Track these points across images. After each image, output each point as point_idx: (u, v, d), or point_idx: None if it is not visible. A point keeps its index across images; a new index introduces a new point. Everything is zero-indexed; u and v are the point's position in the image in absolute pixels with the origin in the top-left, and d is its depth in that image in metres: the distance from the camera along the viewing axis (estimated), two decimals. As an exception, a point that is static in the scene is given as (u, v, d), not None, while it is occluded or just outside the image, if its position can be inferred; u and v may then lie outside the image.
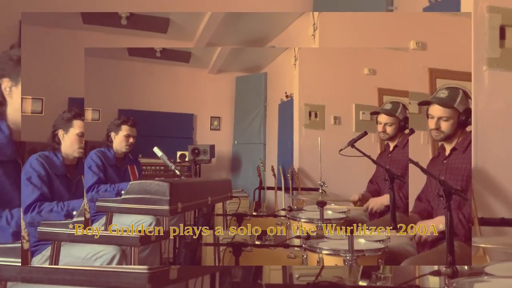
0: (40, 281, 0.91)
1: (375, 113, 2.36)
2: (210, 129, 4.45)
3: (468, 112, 1.73)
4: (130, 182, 1.95)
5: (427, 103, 1.78)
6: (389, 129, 2.28)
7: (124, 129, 2.57)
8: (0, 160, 1.36)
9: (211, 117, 4.41)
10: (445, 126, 1.74)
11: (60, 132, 2.01)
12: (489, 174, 2.06)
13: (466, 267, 1.17)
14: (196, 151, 3.58)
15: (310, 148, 3.09)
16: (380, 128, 2.31)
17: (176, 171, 2.14)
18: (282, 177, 3.31)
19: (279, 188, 3.24)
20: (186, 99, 4.30)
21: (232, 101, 4.74)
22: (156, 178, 1.58)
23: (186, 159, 3.59)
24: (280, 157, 3.71)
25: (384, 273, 1.89)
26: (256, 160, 3.85)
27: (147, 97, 4.79)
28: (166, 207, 1.54)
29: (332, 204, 2.39)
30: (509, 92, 2.07)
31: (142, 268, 0.84)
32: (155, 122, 4.16)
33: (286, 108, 3.59)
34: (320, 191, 1.95)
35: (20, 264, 0.93)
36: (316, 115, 3.19)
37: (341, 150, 2.04)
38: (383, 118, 2.28)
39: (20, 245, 0.96)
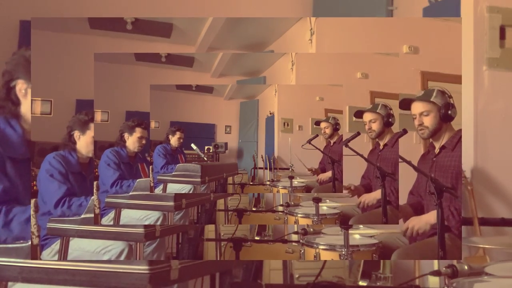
0: (40, 281, 0.84)
1: (359, 114, 2.36)
2: (225, 132, 5.66)
3: (447, 106, 1.67)
4: (137, 180, 1.94)
5: (406, 102, 1.74)
6: (374, 126, 2.24)
7: (138, 131, 2.58)
8: (14, 158, 1.30)
9: (225, 125, 5.71)
10: (427, 120, 1.68)
11: (76, 133, 1.98)
12: (489, 174, 1.97)
13: (466, 267, 1.11)
14: (217, 146, 4.94)
15: (284, 144, 4.16)
16: (366, 126, 2.29)
17: (205, 158, 3.43)
18: (267, 161, 4.38)
19: (266, 168, 4.36)
20: (207, 113, 5.50)
21: (237, 117, 5.88)
22: (192, 162, 2.41)
23: (211, 151, 4.91)
24: (266, 149, 4.84)
25: (384, 273, 1.84)
26: (252, 151, 5.00)
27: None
28: (198, 179, 2.23)
29: (327, 201, 2.39)
30: (509, 92, 1.98)
31: (142, 268, 0.78)
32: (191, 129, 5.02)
33: (270, 120, 4.92)
34: (290, 170, 3.11)
35: (20, 264, 0.87)
36: (288, 124, 4.31)
37: (345, 144, 2.14)
38: (366, 116, 2.25)
39: (20, 245, 0.90)
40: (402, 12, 3.01)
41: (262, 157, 4.67)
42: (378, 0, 3.02)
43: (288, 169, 3.50)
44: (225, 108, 6.09)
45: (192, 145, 3.63)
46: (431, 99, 1.68)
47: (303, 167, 3.24)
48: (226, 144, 5.30)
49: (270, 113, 5.00)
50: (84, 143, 1.98)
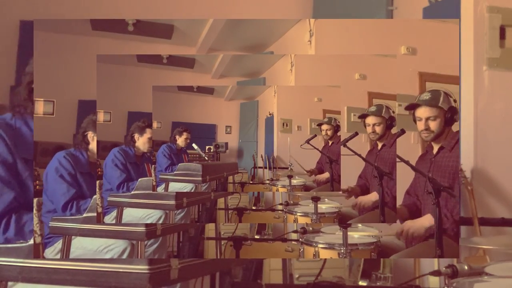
0: (40, 281, 0.82)
1: (363, 116, 2.34)
2: (225, 133, 5.66)
3: (452, 110, 1.65)
4: (139, 179, 1.94)
5: (414, 106, 1.70)
6: (378, 129, 2.23)
7: (149, 132, 2.61)
8: (28, 160, 1.28)
9: (225, 126, 5.64)
10: (433, 125, 1.66)
11: (90, 134, 1.99)
12: (489, 174, 1.94)
13: (466, 267, 1.09)
14: (217, 145, 5.01)
15: (283, 144, 4.21)
16: (369, 129, 2.27)
17: (205, 157, 3.48)
18: (267, 161, 4.45)
19: (265, 167, 4.47)
20: (208, 113, 5.45)
21: (237, 117, 5.86)
22: (194, 162, 2.44)
23: (211, 150, 4.98)
24: (266, 149, 4.87)
25: (384, 273, 1.81)
26: (252, 151, 5.03)
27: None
28: (200, 179, 2.22)
29: (326, 200, 2.38)
30: (509, 92, 1.95)
31: (142, 268, 0.76)
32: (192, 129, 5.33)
33: (269, 121, 4.96)
34: (289, 169, 3.20)
35: (20, 264, 0.85)
36: (287, 125, 4.35)
37: (343, 144, 2.15)
38: (371, 119, 2.24)
39: (20, 245, 0.88)
40: (402, 12, 2.98)
41: (261, 157, 4.87)
42: (378, 0, 3.00)
43: (287, 168, 3.58)
44: (226, 108, 6.18)
45: (194, 145, 3.68)
46: (439, 104, 1.66)
47: (301, 166, 3.33)
48: (226, 144, 5.39)
49: (270, 114, 5.11)
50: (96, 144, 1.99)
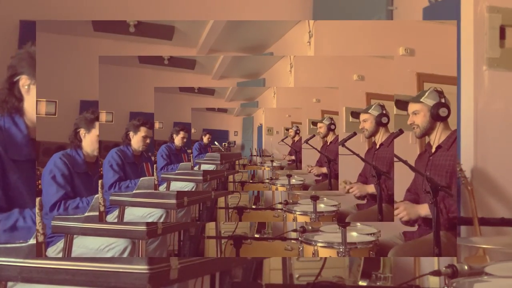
0: (40, 281, 0.80)
1: (355, 114, 2.34)
2: (234, 135, 6.43)
3: (437, 105, 1.65)
4: (141, 178, 1.93)
5: (402, 102, 1.75)
6: (366, 125, 2.28)
7: (142, 131, 2.55)
8: (17, 160, 1.24)
9: (234, 131, 6.22)
10: (417, 119, 1.69)
11: (82, 131, 1.93)
12: (489, 174, 1.93)
13: (466, 267, 1.07)
14: (229, 142, 5.88)
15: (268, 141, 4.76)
16: (360, 126, 2.30)
17: (222, 150, 4.15)
18: (259, 151, 5.04)
19: (257, 155, 5.11)
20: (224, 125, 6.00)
21: (241, 126, 6.16)
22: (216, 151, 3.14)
23: (226, 146, 5.90)
24: (258, 144, 5.22)
25: (384, 273, 1.80)
26: (250, 146, 5.56)
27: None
28: (200, 178, 2.42)
29: (325, 199, 2.38)
30: (509, 92, 1.94)
31: (142, 268, 0.75)
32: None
33: (260, 128, 5.34)
34: (271, 156, 3.92)
35: (20, 264, 0.83)
36: (270, 130, 4.89)
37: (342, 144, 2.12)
38: (361, 116, 2.29)
39: (20, 245, 0.86)
40: (402, 12, 2.97)
41: (255, 149, 5.62)
42: (378, 0, 2.99)
43: (270, 156, 4.33)
44: (234, 121, 6.71)
45: (215, 142, 4.27)
46: (421, 100, 1.69)
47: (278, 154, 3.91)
48: (234, 142, 6.12)
49: (260, 124, 5.71)
50: (89, 141, 1.94)
